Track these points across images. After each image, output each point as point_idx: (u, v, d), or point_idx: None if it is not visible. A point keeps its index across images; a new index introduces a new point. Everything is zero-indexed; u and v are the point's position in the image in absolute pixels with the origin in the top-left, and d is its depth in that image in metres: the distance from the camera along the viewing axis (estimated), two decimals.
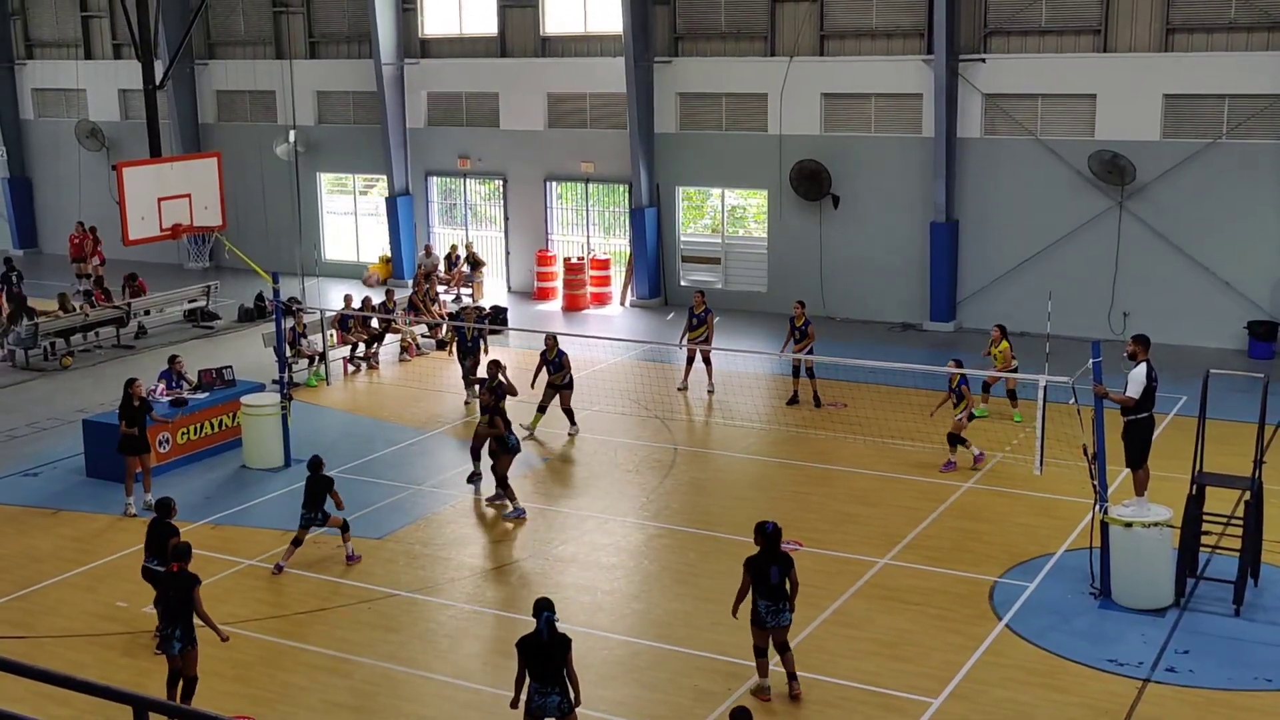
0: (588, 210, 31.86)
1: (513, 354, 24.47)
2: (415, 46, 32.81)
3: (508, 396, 18.08)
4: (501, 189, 32.52)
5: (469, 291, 30.98)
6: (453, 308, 28.37)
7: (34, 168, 39.15)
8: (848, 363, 20.98)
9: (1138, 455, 14.73)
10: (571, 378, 20.78)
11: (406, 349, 25.92)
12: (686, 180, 30.37)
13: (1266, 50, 24.50)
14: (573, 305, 30.32)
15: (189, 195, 24.28)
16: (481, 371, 20.72)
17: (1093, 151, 25.62)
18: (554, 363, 20.66)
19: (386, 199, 33.41)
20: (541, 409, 20.78)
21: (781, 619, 12.20)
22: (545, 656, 10.61)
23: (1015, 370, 20.72)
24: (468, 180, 33.23)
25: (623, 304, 30.70)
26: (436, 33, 32.78)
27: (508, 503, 17.42)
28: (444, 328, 26.10)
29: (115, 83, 36.93)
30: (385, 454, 20.08)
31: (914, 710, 12.26)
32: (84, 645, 13.96)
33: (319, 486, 15.66)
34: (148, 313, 28.55)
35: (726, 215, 30.43)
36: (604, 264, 30.91)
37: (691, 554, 16.11)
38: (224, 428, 20.26)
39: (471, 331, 22.78)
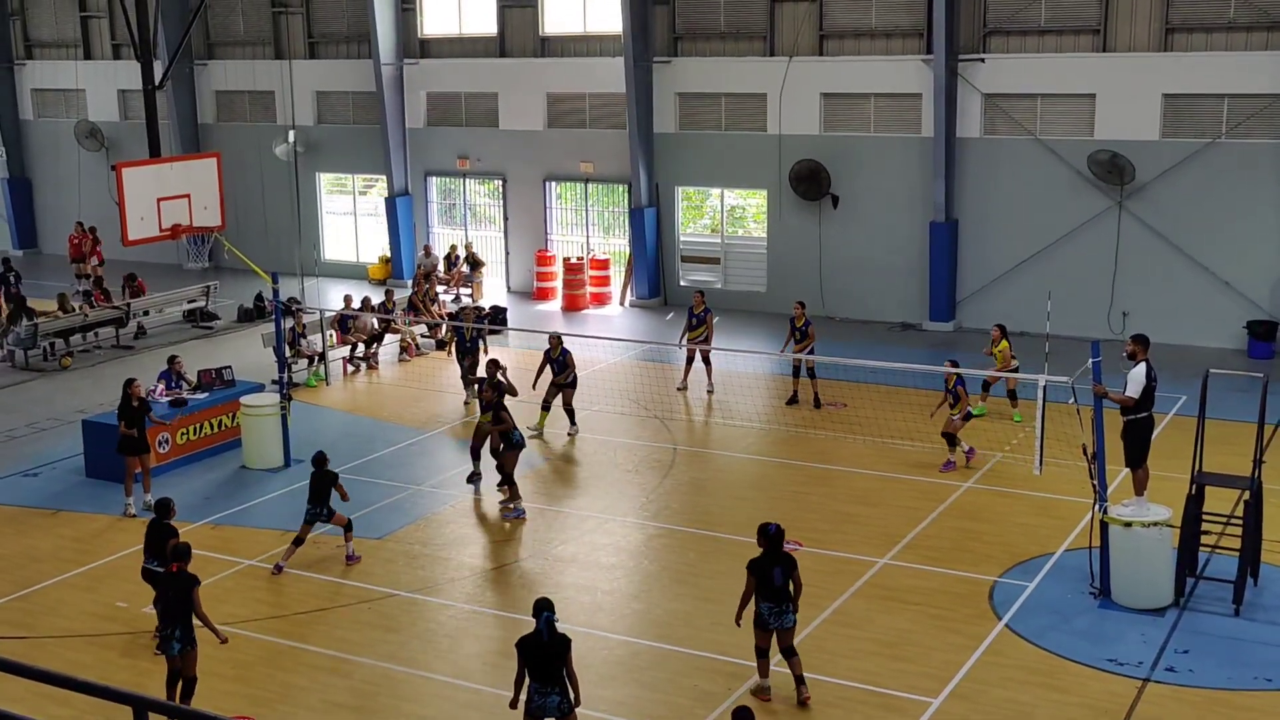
0: (587, 210, 31.86)
1: (512, 354, 24.47)
2: (415, 46, 32.81)
3: (507, 396, 18.07)
4: (501, 189, 32.53)
5: (468, 291, 30.98)
6: (452, 308, 28.36)
7: (33, 168, 39.15)
8: (847, 362, 20.98)
9: (1137, 455, 14.73)
10: (575, 376, 20.78)
11: (406, 349, 25.92)
12: (686, 180, 30.37)
13: (1266, 50, 24.50)
14: (572, 305, 30.32)
15: (188, 195, 24.26)
16: (481, 371, 20.74)
17: (1092, 151, 25.62)
18: (558, 361, 20.67)
19: (386, 199, 33.41)
20: (546, 407, 20.80)
21: (785, 620, 12.16)
22: (545, 656, 10.61)
23: (1016, 370, 20.72)
24: (467, 180, 33.23)
25: (622, 304, 30.70)
26: (436, 33, 32.78)
27: (510, 503, 17.41)
28: (443, 328, 26.10)
29: (115, 83, 36.94)
30: (385, 454, 20.08)
31: (914, 710, 12.26)
32: (84, 645, 13.96)
33: (324, 481, 15.67)
34: (147, 313, 28.55)
35: (726, 215, 30.43)
36: (603, 264, 30.91)
37: (691, 554, 16.11)
38: (223, 428, 20.26)
39: (470, 332, 22.78)
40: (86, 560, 16.22)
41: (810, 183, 28.26)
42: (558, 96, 31.33)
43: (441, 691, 12.88)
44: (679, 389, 23.27)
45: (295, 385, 22.50)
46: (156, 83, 28.34)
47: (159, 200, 23.71)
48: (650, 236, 30.13)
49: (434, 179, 33.52)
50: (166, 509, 13.82)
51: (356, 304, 25.31)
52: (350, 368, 25.04)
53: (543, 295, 31.23)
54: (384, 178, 33.44)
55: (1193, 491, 14.55)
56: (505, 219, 32.55)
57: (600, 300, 30.62)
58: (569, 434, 20.73)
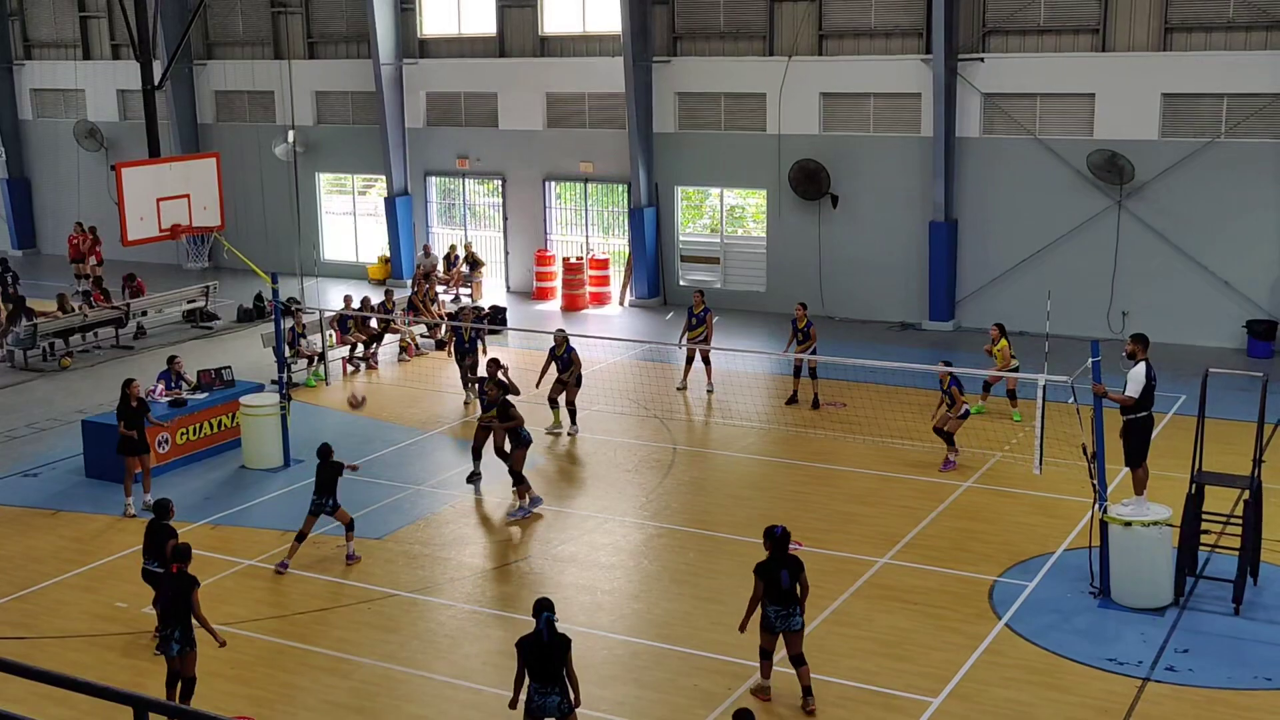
0: (587, 210, 31.86)
1: (512, 354, 24.46)
2: (414, 46, 32.81)
3: (510, 395, 18.07)
4: (500, 189, 32.53)
5: (468, 291, 30.99)
6: (451, 308, 28.37)
7: (33, 168, 39.14)
8: (847, 362, 20.99)
9: (1137, 454, 14.73)
10: (580, 375, 20.79)
11: (405, 349, 25.93)
12: (685, 180, 30.37)
13: (1265, 49, 24.51)
14: (572, 305, 30.32)
15: (188, 195, 24.27)
16: (481, 371, 20.74)
17: (1091, 151, 25.63)
18: (563, 359, 20.68)
19: (385, 199, 33.41)
20: (554, 404, 20.81)
21: (791, 623, 12.07)
22: (545, 656, 10.60)
23: (1016, 369, 20.72)
24: (466, 180, 33.23)
25: (622, 304, 30.71)
26: (435, 33, 32.78)
27: (516, 500, 17.40)
28: (443, 328, 26.10)
29: (114, 83, 36.93)
30: (385, 454, 20.08)
31: (914, 710, 12.26)
32: (84, 645, 13.96)
33: (329, 472, 15.69)
34: (145, 313, 28.55)
35: (725, 215, 30.43)
36: (603, 264, 30.91)
37: (691, 554, 16.11)
38: (223, 428, 20.26)
39: (469, 332, 22.78)
40: (86, 560, 16.22)
41: (810, 182, 28.26)
42: (557, 96, 31.33)
43: (441, 691, 12.88)
44: (679, 389, 23.28)
45: (295, 385, 22.50)
46: (156, 83, 28.35)
47: (158, 200, 23.71)
48: (650, 236, 30.13)
49: (433, 179, 33.52)
50: (165, 510, 13.81)
51: (356, 304, 25.31)
52: (350, 368, 25.05)
53: (542, 295, 31.23)
54: (383, 178, 33.44)
55: (1192, 491, 14.55)
56: (505, 219, 32.55)
57: (600, 300, 30.62)
58: (569, 433, 20.73)
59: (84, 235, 32.29)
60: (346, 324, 25.19)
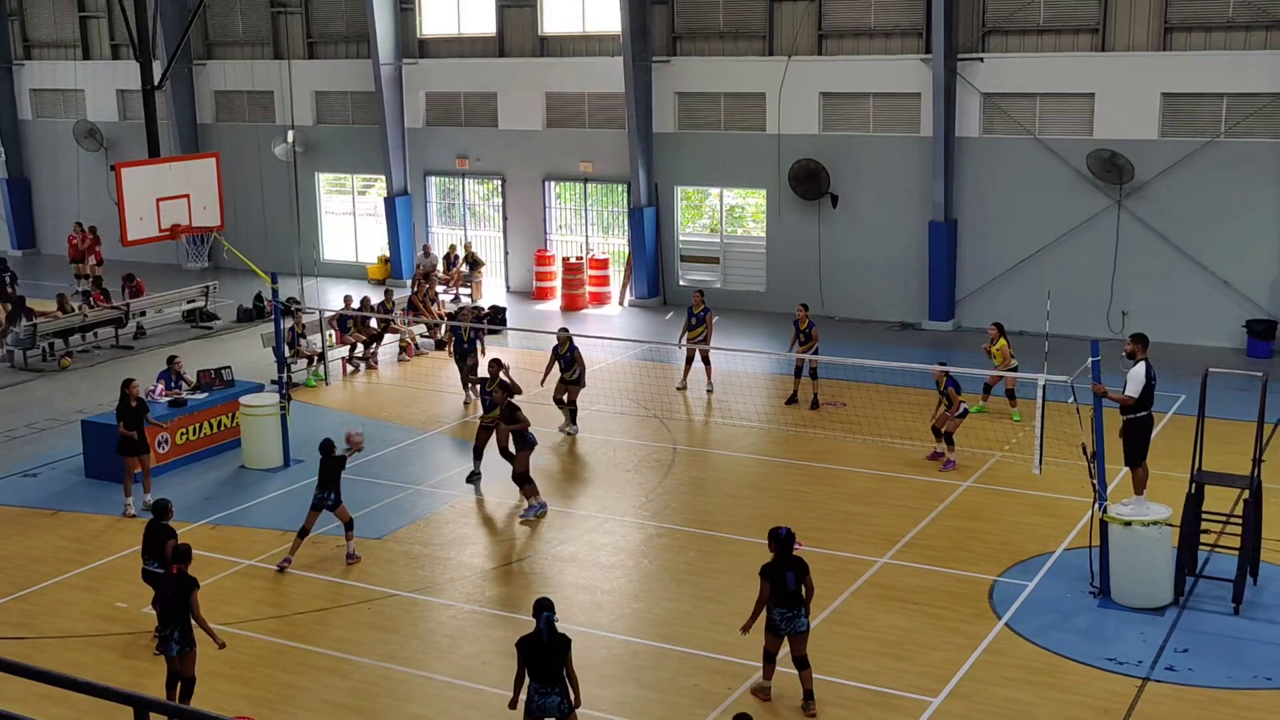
0: (586, 210, 31.86)
1: (512, 354, 24.45)
2: (414, 46, 32.81)
3: (513, 395, 18.07)
4: (500, 189, 32.53)
5: (467, 291, 30.99)
6: (451, 308, 28.37)
7: (32, 168, 39.14)
8: (847, 362, 20.99)
9: (1137, 454, 14.73)
10: (582, 374, 20.77)
11: (405, 349, 25.93)
12: (685, 180, 30.37)
13: (1265, 49, 24.51)
14: (571, 305, 30.32)
15: (187, 195, 24.26)
16: (483, 371, 20.73)
17: (1091, 150, 25.63)
18: (565, 358, 20.69)
19: (385, 199, 33.41)
20: (559, 402, 20.82)
21: (797, 624, 12.02)
22: (545, 656, 10.60)
23: (1015, 369, 20.73)
24: (466, 180, 33.23)
25: (621, 304, 30.71)
26: (435, 33, 32.78)
27: (525, 500, 17.39)
28: (443, 328, 26.09)
29: (113, 83, 36.93)
30: (385, 454, 20.08)
31: (914, 709, 12.26)
32: (84, 645, 13.96)
33: (332, 467, 15.68)
34: (144, 313, 28.54)
35: (725, 215, 30.43)
36: (603, 264, 30.91)
37: (691, 553, 16.11)
38: (223, 428, 20.26)
39: (468, 332, 22.77)
40: (86, 560, 16.22)
41: (809, 182, 28.26)
42: (557, 96, 31.33)
43: (441, 691, 12.88)
44: (679, 389, 23.28)
45: (294, 385, 22.50)
46: (155, 83, 28.35)
47: (158, 200, 23.71)
48: (649, 236, 30.13)
49: (433, 179, 33.52)
50: (164, 510, 13.81)
51: (356, 304, 25.31)
52: (350, 368, 25.05)
53: (542, 295, 31.23)
54: (383, 178, 33.44)
55: (1192, 490, 14.55)
56: (504, 219, 32.55)
57: (599, 300, 30.62)
58: (569, 433, 20.73)
59: (84, 235, 32.28)
60: (346, 324, 25.19)
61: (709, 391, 23.00)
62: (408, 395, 23.49)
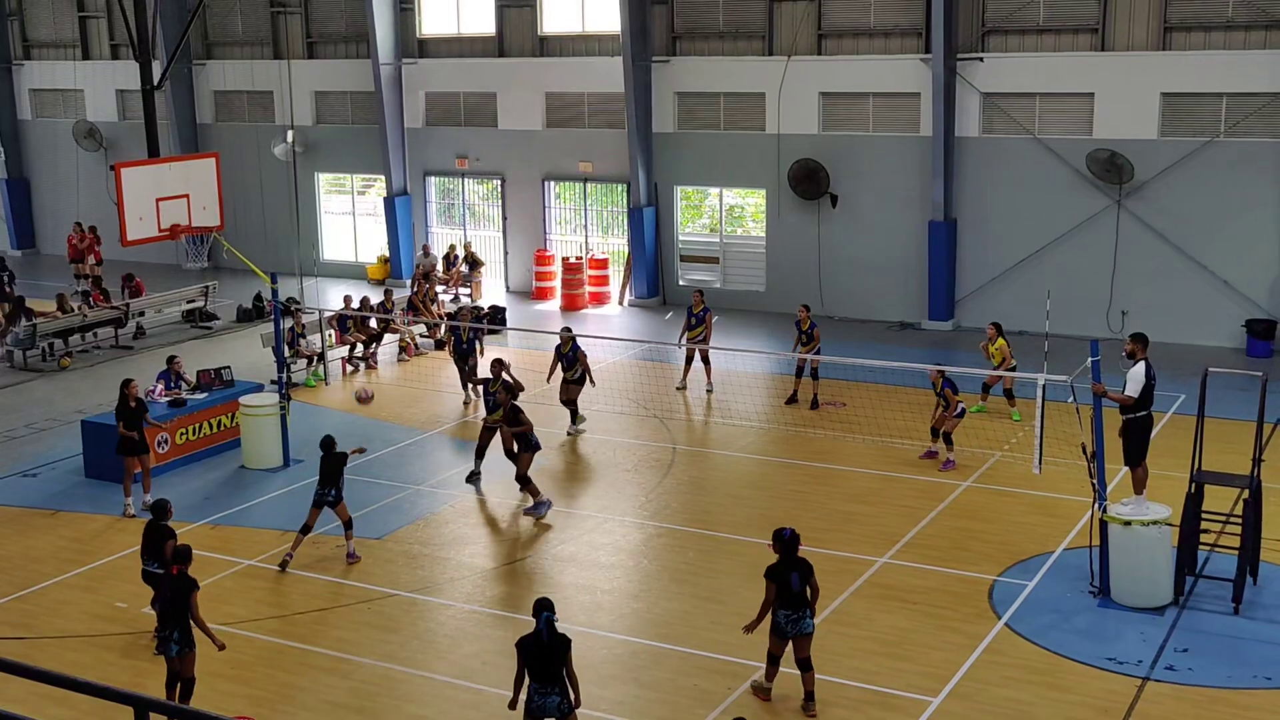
0: (586, 210, 31.86)
1: (511, 354, 24.43)
2: (413, 46, 32.81)
3: (516, 394, 18.08)
4: (500, 189, 32.52)
5: (467, 291, 30.99)
6: (451, 308, 28.36)
7: (32, 168, 39.14)
8: (847, 362, 20.99)
9: (1136, 453, 14.74)
10: (584, 374, 20.76)
11: (405, 349, 25.93)
12: (685, 180, 30.37)
13: (1264, 49, 24.51)
14: (571, 305, 30.31)
15: (187, 195, 24.25)
16: (483, 371, 20.72)
17: (1091, 150, 25.63)
18: (568, 357, 20.68)
19: (385, 199, 33.41)
20: (564, 402, 20.82)
21: (803, 626, 11.99)
22: (545, 656, 10.60)
23: (1014, 369, 20.73)
24: (466, 180, 33.22)
25: (621, 303, 30.71)
26: (434, 32, 32.78)
27: (529, 498, 17.38)
28: (442, 328, 26.09)
29: (113, 83, 36.92)
30: (385, 454, 20.07)
31: (914, 709, 12.26)
32: (84, 646, 13.96)
33: (333, 464, 15.69)
34: (143, 313, 28.54)
35: (725, 214, 30.43)
36: (602, 264, 30.91)
37: (691, 553, 16.10)
38: (223, 428, 20.25)
39: (467, 333, 22.77)
40: (86, 560, 16.22)
41: (809, 182, 28.26)
42: (556, 96, 31.32)
43: (441, 691, 12.88)
44: (678, 388, 23.28)
45: (294, 385, 22.49)
46: (155, 83, 28.32)
47: (158, 200, 23.70)
48: (649, 236, 30.13)
49: (433, 179, 33.52)
50: (163, 510, 13.80)
51: (355, 304, 25.31)
52: (349, 368, 25.05)
53: (541, 295, 31.22)
54: (383, 178, 33.44)
55: (1192, 490, 14.55)
56: (504, 219, 32.55)
57: (599, 300, 30.62)
58: (569, 433, 20.73)
59: (83, 235, 32.28)
60: (346, 324, 25.19)
61: (709, 391, 23.00)
62: (407, 395, 23.49)
